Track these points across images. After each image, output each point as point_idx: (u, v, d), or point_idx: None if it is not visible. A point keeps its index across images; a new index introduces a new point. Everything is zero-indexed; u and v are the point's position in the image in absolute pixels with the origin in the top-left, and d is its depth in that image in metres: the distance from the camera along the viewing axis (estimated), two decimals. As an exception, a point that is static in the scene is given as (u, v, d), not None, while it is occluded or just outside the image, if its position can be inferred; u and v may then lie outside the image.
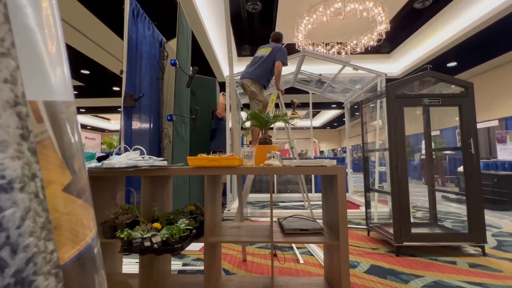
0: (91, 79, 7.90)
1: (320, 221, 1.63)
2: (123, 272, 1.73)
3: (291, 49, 5.77)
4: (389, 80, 2.82)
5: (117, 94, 8.91)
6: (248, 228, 1.60)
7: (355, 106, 4.98)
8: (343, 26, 5.21)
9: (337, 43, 5.68)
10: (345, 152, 13.20)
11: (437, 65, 6.55)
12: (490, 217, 3.50)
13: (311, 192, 5.36)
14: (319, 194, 4.17)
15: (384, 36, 4.71)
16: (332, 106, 11.96)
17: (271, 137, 1.86)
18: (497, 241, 2.50)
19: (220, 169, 1.37)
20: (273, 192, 5.33)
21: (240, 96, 4.77)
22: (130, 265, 1.92)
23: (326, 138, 19.75)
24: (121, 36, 2.16)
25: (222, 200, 2.89)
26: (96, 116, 14.21)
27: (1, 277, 0.28)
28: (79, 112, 11.91)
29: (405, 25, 5.68)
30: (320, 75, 4.55)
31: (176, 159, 2.38)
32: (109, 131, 17.08)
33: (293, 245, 2.35)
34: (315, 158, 6.70)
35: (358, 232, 2.81)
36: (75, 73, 7.29)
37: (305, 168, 1.37)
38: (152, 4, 4.21)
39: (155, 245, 1.20)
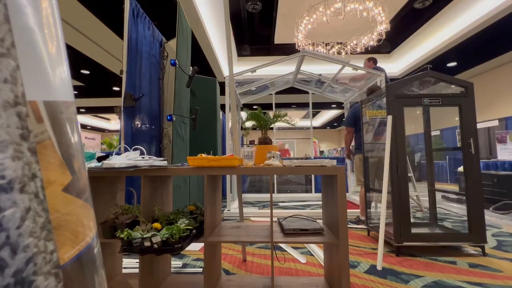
0: (91, 79, 7.89)
1: (320, 221, 1.63)
2: (123, 272, 1.73)
3: (291, 49, 5.77)
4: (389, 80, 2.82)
5: (117, 94, 8.91)
6: (248, 228, 1.60)
7: (355, 106, 4.98)
8: (343, 26, 5.21)
9: (337, 43, 5.68)
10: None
11: (437, 65, 6.55)
12: (490, 217, 3.50)
13: (311, 192, 5.37)
14: (319, 194, 4.17)
15: (384, 36, 4.70)
16: (332, 106, 11.95)
17: None
18: (497, 241, 2.50)
19: (220, 169, 1.37)
20: (273, 192, 5.33)
21: (240, 96, 4.77)
22: (130, 265, 1.92)
23: (326, 138, 19.73)
24: (121, 36, 2.16)
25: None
26: (96, 116, 14.20)
27: (1, 277, 0.28)
28: (79, 112, 11.91)
29: (405, 25, 5.68)
30: (320, 75, 4.56)
31: (176, 159, 2.38)
32: (109, 131, 17.07)
33: (290, 246, 2.35)
34: (315, 158, 6.70)
35: (358, 232, 2.81)
36: (75, 73, 7.29)
37: (305, 168, 1.37)
38: (152, 4, 4.21)
39: (155, 245, 1.20)
